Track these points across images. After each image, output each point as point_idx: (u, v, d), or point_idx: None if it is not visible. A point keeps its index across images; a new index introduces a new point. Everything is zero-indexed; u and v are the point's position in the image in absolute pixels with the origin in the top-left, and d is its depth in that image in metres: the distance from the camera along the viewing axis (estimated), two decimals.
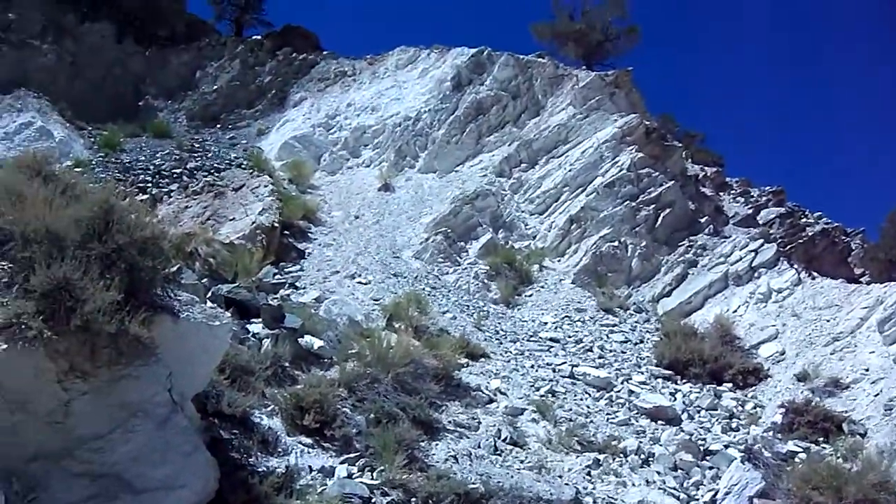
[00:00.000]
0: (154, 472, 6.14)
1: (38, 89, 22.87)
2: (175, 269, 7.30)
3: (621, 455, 10.60)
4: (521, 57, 23.91)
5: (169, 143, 22.24)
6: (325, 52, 28.62)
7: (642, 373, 13.92)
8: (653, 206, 18.80)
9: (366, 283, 15.52)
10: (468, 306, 15.88)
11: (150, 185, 18.73)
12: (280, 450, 8.31)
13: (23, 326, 5.52)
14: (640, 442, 11.10)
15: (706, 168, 22.13)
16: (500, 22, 65.82)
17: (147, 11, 28.09)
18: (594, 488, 9.65)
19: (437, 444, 9.72)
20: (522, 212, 20.15)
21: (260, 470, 7.55)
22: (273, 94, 26.99)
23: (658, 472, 10.35)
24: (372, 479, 8.26)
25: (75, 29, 26.12)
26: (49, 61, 24.71)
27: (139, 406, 6.15)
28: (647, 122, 20.80)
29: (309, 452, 8.56)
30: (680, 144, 21.79)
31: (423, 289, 15.93)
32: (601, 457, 10.39)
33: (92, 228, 6.30)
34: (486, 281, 17.25)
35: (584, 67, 24.90)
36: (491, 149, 22.12)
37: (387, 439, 8.81)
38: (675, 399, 13.03)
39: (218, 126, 25.86)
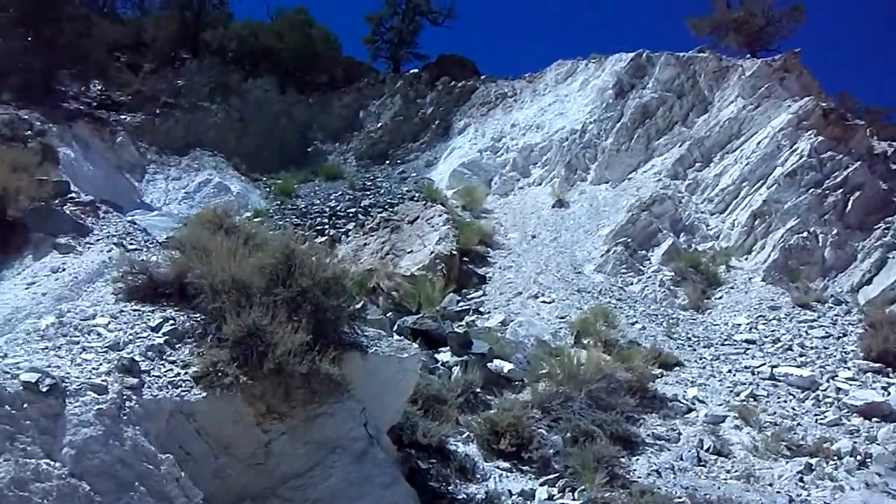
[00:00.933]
0: None
1: (212, 147, 24.54)
2: (359, 305, 7.35)
3: (835, 458, 9.64)
4: (682, 54, 23.05)
5: (341, 185, 23.10)
6: (483, 77, 28.77)
7: (849, 368, 12.71)
8: (840, 190, 17.38)
9: (550, 302, 15.21)
10: (656, 315, 15.23)
11: (327, 226, 19.46)
12: (478, 476, 8.23)
13: (219, 374, 5.73)
14: (855, 442, 10.06)
15: (895, 143, 20.08)
16: (655, 23, 63.97)
17: (305, 61, 29.51)
18: (808, 495, 8.83)
19: (637, 459, 9.29)
20: (702, 212, 19.15)
21: (460, 497, 7.43)
22: (437, 125, 27.34)
23: (878, 474, 9.31)
24: (573, 499, 7.98)
25: (240, 87, 27.88)
26: (219, 120, 26.43)
27: (336, 442, 6.22)
28: (824, 104, 19.37)
29: (507, 476, 8.42)
30: (862, 122, 20.04)
31: (609, 302, 15.46)
32: (813, 461, 9.50)
33: (276, 274, 6.48)
34: (672, 287, 16.50)
35: (748, 56, 23.64)
36: (662, 152, 21.29)
37: (585, 458, 8.50)
38: (890, 393, 11.72)
39: (387, 162, 26.55)
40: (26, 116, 19.72)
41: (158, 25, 30.57)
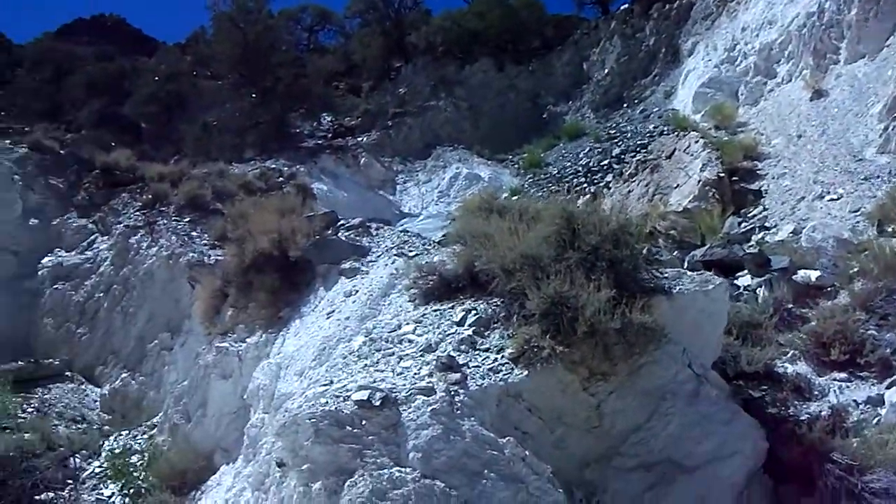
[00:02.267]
0: (700, 448, 6.33)
1: (450, 142, 25.88)
2: (647, 250, 7.49)
3: None
4: None
5: (586, 141, 23.40)
6: None
7: None
8: None
9: (837, 199, 14.39)
10: None
11: (585, 184, 19.85)
12: (816, 393, 8.05)
13: (535, 349, 6.08)
14: None
15: None
16: None
17: (513, 32, 30.29)
18: None
19: None
20: None
21: (803, 418, 7.31)
22: (664, 53, 26.83)
23: None
24: None
25: (459, 77, 29.13)
26: (449, 114, 27.81)
27: (665, 388, 6.40)
28: None
29: (847, 387, 8.15)
30: None
31: None
32: None
33: (562, 240, 6.78)
34: None
35: None
36: None
37: None
38: None
39: (624, 105, 26.35)
40: (274, 165, 22.26)
41: (364, 44, 32.87)
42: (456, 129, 27.13)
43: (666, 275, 7.04)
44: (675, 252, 12.65)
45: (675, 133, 19.98)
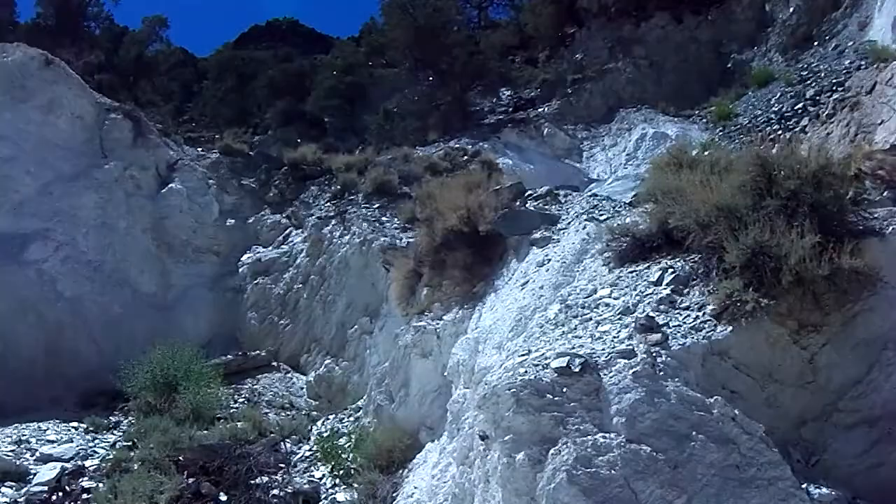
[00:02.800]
0: None
1: (633, 102, 25.37)
2: (853, 192, 7.15)
3: None
4: None
5: (776, 86, 22.27)
6: None
7: None
8: None
9: None
10: None
11: (779, 131, 18.94)
12: None
13: (738, 304, 5.97)
14: None
15: None
16: None
17: None
18: None
19: None
20: None
21: None
22: None
23: None
24: None
25: (635, 35, 28.40)
26: (630, 74, 27.23)
27: (886, 337, 6.09)
28: None
29: None
30: None
31: None
32: None
33: (758, 188, 6.62)
34: None
35: None
36: None
37: None
38: None
39: (815, 43, 24.74)
40: (457, 145, 22.81)
41: (535, 14, 32.78)
42: (638, 89, 26.63)
43: (876, 215, 6.72)
44: (885, 192, 11.91)
45: (875, 66, 18.67)
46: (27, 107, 20.34)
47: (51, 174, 20.05)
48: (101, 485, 11.82)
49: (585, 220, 9.10)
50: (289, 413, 15.40)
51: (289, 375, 17.83)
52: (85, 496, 11.69)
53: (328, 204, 19.95)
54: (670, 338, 6.01)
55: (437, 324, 10.24)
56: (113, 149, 21.43)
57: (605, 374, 5.69)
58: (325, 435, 12.64)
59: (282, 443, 12.75)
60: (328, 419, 13.75)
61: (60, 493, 11.86)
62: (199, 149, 24.57)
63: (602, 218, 8.98)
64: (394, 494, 9.28)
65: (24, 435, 14.21)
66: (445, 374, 9.38)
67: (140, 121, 22.74)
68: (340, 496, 10.45)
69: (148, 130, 22.69)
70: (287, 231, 20.89)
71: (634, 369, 5.61)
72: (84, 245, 19.53)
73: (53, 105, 20.81)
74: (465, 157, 21.01)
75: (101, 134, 21.64)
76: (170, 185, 21.52)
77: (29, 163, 19.79)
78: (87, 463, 12.86)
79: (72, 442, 13.92)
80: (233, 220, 21.80)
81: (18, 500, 11.70)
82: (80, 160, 20.83)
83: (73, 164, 20.63)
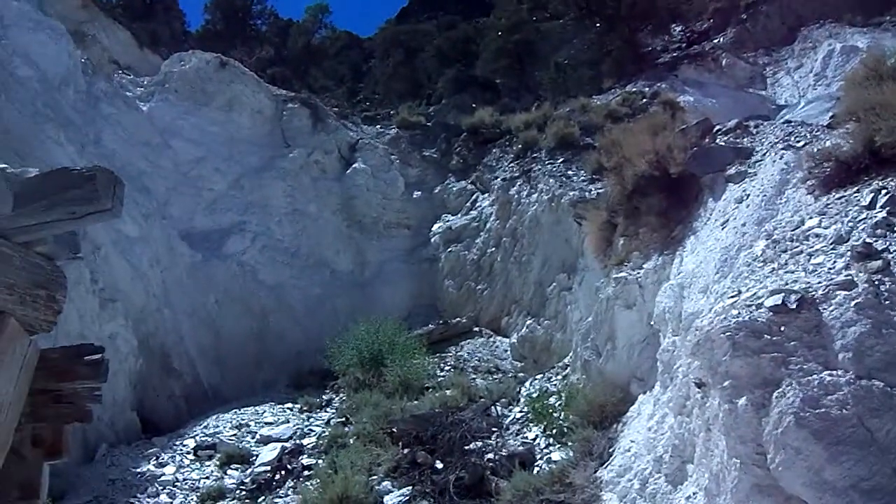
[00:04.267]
0: None
1: (815, 19, 23.80)
2: None
3: None
4: None
5: None
6: None
7: None
8: None
9: None
10: None
11: None
12: None
13: None
14: None
15: None
16: None
17: None
18: None
19: None
20: None
21: None
22: None
23: None
24: None
25: None
26: None
27: None
28: None
29: None
30: None
31: None
32: None
33: None
34: None
35: None
36: None
37: None
38: None
39: None
40: (634, 89, 22.34)
41: None
42: (818, 3, 24.95)
43: None
44: None
45: None
46: (209, 108, 21.71)
47: (239, 169, 21.34)
48: (319, 461, 12.59)
49: (782, 149, 8.74)
50: (495, 377, 15.76)
51: (491, 339, 18.21)
52: (306, 473, 12.51)
53: (512, 165, 20.11)
54: (892, 264, 5.71)
55: (638, 273, 10.18)
56: (294, 137, 22.49)
57: (824, 309, 5.51)
58: (534, 395, 12.84)
59: (492, 407, 13.07)
60: (535, 379, 13.97)
61: (283, 472, 12.74)
62: (377, 126, 25.31)
63: (800, 145, 8.60)
64: (610, 450, 9.33)
65: (243, 419, 15.32)
66: (651, 323, 9.34)
67: (317, 107, 23.71)
68: (555, 455, 10.60)
69: (325, 115, 23.61)
70: (474, 196, 21.24)
71: (856, 301, 5.40)
72: (279, 233, 20.70)
73: (233, 103, 22.09)
74: (645, 100, 20.58)
75: (282, 125, 22.78)
76: (353, 166, 22.36)
77: (217, 161, 21.14)
78: (305, 441, 13.73)
79: (288, 422, 14.89)
80: (419, 192, 22.42)
81: (244, 480, 12.67)
82: (265, 152, 22.03)
83: (258, 157, 21.85)
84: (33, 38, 17.84)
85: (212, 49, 25.03)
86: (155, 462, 13.48)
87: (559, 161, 18.10)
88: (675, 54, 26.02)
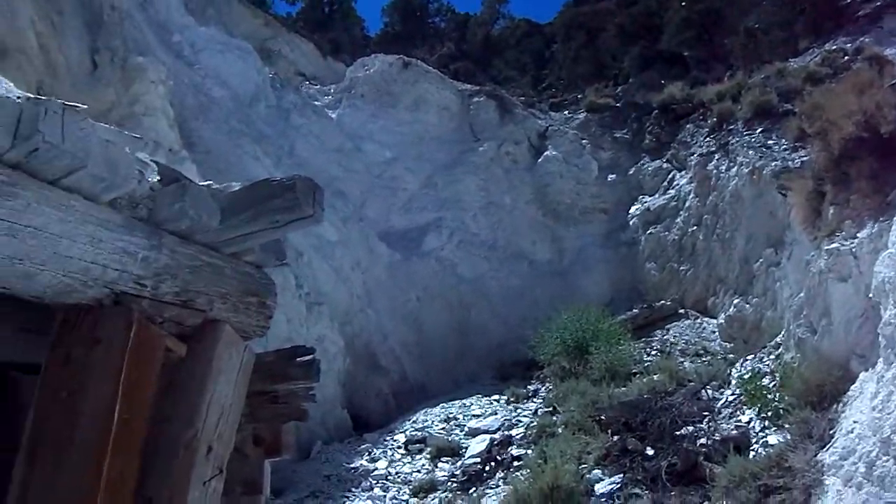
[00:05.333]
0: None
1: None
2: None
3: None
4: None
5: None
6: None
7: None
8: None
9: None
10: None
11: None
12: None
13: None
14: None
15: None
16: None
17: None
18: None
19: None
20: None
21: None
22: None
23: None
24: None
25: None
26: None
27: None
28: None
29: None
30: None
31: None
32: None
33: None
34: None
35: None
36: None
37: None
38: None
39: None
40: (833, 46, 21.10)
41: None
42: None
43: None
44: None
45: None
46: (396, 110, 22.37)
47: (430, 167, 21.86)
48: (528, 451, 12.72)
49: None
50: (704, 359, 15.39)
51: (698, 321, 17.80)
52: (515, 463, 12.67)
53: (707, 139, 19.55)
54: None
55: (852, 243, 9.64)
56: (482, 130, 22.79)
57: None
58: (746, 377, 12.43)
59: (702, 390, 12.77)
60: (746, 360, 13.51)
61: (493, 463, 12.97)
62: (565, 112, 25.22)
63: None
64: (830, 432, 8.89)
65: (451, 413, 15.71)
66: (870, 295, 8.81)
67: (503, 98, 23.91)
68: (772, 438, 10.22)
69: (512, 106, 23.77)
70: (670, 175, 20.79)
71: None
72: (474, 227, 21.05)
73: (419, 102, 22.64)
74: (847, 58, 19.35)
75: (469, 119, 23.12)
76: (545, 154, 22.40)
77: (408, 161, 21.75)
78: (513, 432, 13.92)
79: (496, 414, 15.13)
80: (613, 175, 22.17)
81: (455, 472, 12.99)
82: (454, 148, 22.45)
83: (448, 153, 22.29)
84: (223, 60, 19.05)
85: (393, 51, 25.77)
86: (367, 457, 14.07)
87: (758, 131, 17.41)
88: (877, 3, 24.26)
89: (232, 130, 17.27)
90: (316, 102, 22.08)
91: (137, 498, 2.63)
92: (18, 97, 2.16)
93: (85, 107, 2.32)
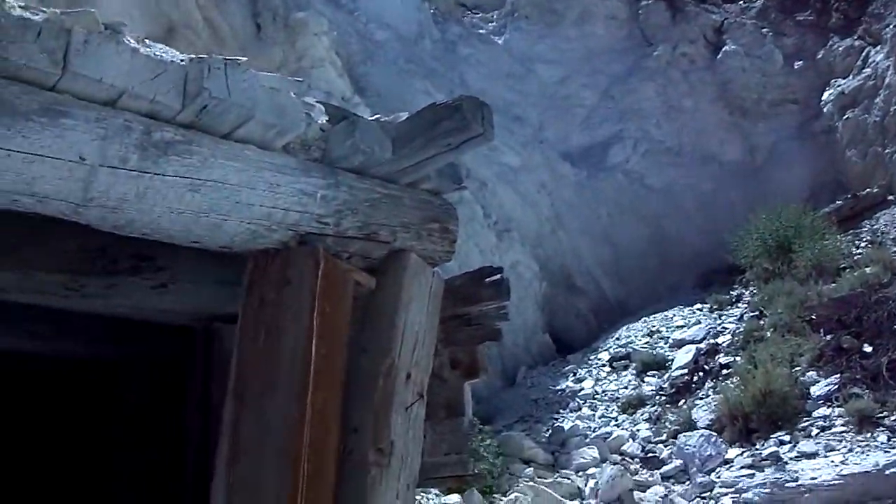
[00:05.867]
0: None
1: None
2: None
3: None
4: None
5: None
6: None
7: None
8: None
9: None
10: None
11: None
12: None
13: None
14: None
15: None
16: None
17: None
18: None
19: None
20: None
21: None
22: None
23: None
24: None
25: None
26: None
27: None
28: None
29: None
30: None
31: None
32: None
33: None
34: None
35: None
36: None
37: None
38: None
39: None
40: None
41: None
42: None
43: None
44: None
45: None
46: (562, 27, 21.85)
47: (604, 80, 21.34)
48: (737, 358, 12.44)
49: None
50: None
51: None
52: (724, 372, 12.42)
53: None
54: None
55: None
56: (654, 35, 21.97)
57: None
58: None
59: None
60: None
61: (700, 373, 12.77)
62: (740, 2, 23.89)
63: None
64: None
65: (653, 326, 15.54)
66: None
67: None
68: None
69: (683, 4, 22.73)
70: (864, 53, 19.37)
71: None
72: (658, 135, 20.48)
73: (585, 16, 22.01)
74: None
75: (639, 25, 22.32)
76: (723, 49, 21.38)
77: (581, 77, 21.30)
78: (719, 340, 13.63)
79: (700, 323, 14.83)
80: (800, 62, 20.89)
81: (663, 385, 12.88)
82: (628, 57, 21.79)
83: (621, 63, 21.67)
84: (383, 2, 19.21)
85: None
86: (573, 378, 14.20)
87: None
88: None
89: (400, 70, 17.51)
90: (480, 31, 21.94)
91: (343, 427, 2.76)
92: (182, 60, 2.26)
93: (245, 59, 2.40)
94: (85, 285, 3.08)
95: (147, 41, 2.24)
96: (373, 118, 2.96)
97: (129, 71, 2.14)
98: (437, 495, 9.92)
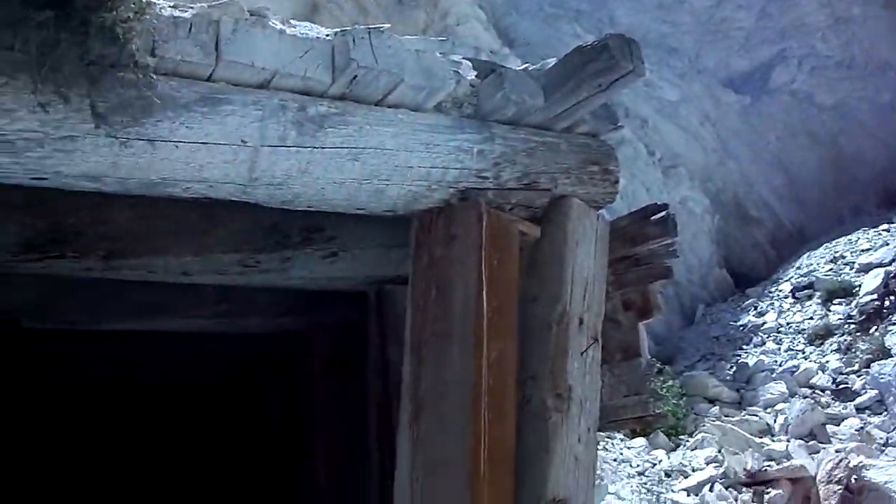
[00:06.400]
0: None
1: None
2: None
3: None
4: None
5: None
6: None
7: None
8: None
9: None
10: None
11: None
12: None
13: None
14: None
15: None
16: None
17: None
18: None
19: None
20: None
21: None
22: None
23: None
24: None
25: None
26: None
27: None
28: None
29: None
30: None
31: None
32: None
33: None
34: None
35: None
36: None
37: None
38: None
39: None
40: None
41: None
42: None
43: None
44: None
45: None
46: None
47: None
48: None
49: None
50: None
51: None
52: None
53: None
54: None
55: None
56: None
57: None
58: None
59: None
60: None
61: (892, 297, 12.09)
62: None
63: None
64: None
65: (836, 252, 14.82)
66: None
67: None
68: None
69: None
70: None
71: None
72: (825, 49, 19.37)
73: None
74: None
75: None
76: None
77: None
78: None
79: (887, 245, 14.05)
80: None
81: (851, 313, 12.28)
82: None
83: None
84: None
85: None
86: (754, 312, 13.78)
87: None
88: None
89: (547, 17, 17.26)
90: None
91: (520, 376, 2.80)
92: (327, 35, 2.33)
93: (388, 26, 2.44)
94: (261, 261, 3.24)
95: (292, 21, 2.32)
96: (520, 68, 2.95)
97: (278, 52, 2.23)
98: (621, 439, 9.91)
